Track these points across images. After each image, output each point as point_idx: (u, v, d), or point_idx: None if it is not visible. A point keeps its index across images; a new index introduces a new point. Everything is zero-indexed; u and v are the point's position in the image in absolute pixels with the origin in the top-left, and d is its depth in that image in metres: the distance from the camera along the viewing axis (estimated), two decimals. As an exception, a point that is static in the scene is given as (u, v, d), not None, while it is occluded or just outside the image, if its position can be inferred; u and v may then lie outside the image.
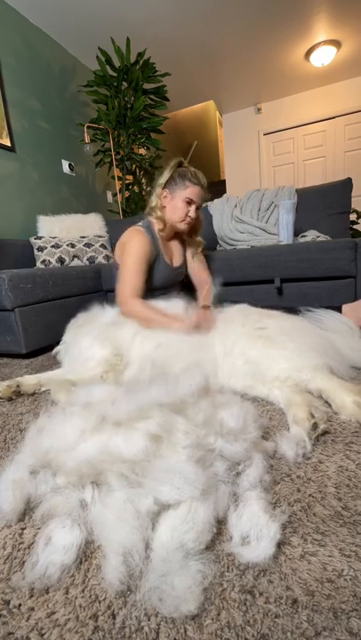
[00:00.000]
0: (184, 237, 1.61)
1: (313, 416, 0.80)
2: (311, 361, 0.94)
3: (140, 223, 1.51)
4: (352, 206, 2.22)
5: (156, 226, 1.48)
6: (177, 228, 1.50)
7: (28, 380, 1.18)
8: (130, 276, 1.38)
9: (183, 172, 1.42)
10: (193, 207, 1.43)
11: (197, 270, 1.64)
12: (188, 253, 1.63)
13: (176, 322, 1.20)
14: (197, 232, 1.59)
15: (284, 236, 1.90)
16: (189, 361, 1.05)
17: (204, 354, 1.08)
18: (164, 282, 1.55)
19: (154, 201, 1.47)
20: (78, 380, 1.07)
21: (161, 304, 1.32)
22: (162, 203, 1.45)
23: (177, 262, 1.60)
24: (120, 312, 1.32)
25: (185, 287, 1.70)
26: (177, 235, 1.58)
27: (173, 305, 1.32)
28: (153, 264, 1.50)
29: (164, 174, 1.44)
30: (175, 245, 1.61)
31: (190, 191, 1.41)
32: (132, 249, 1.41)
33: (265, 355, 0.99)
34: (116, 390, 0.81)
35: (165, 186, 1.43)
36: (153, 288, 1.53)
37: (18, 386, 1.14)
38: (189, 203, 1.42)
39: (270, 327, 1.06)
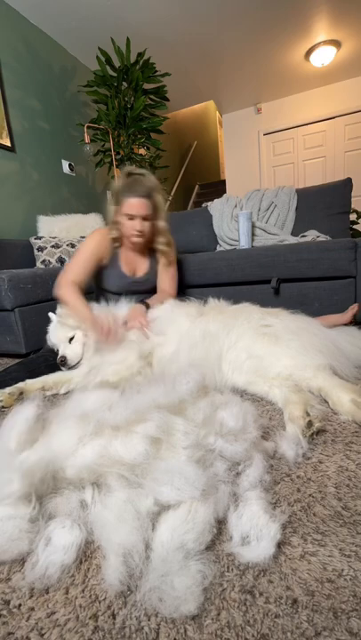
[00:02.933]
0: (156, 249, 1.54)
1: (308, 414, 0.80)
2: (315, 360, 0.94)
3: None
4: (352, 206, 2.22)
5: (117, 240, 1.47)
6: (131, 242, 1.44)
7: (32, 385, 1.12)
8: (73, 265, 1.41)
9: (124, 184, 1.36)
10: (136, 221, 1.36)
11: (159, 280, 1.58)
12: (160, 264, 1.57)
13: (90, 323, 1.19)
14: (155, 241, 1.50)
15: (245, 241, 2.03)
16: (197, 355, 1.06)
17: (211, 348, 1.08)
18: (117, 288, 1.52)
19: (111, 214, 1.43)
20: (120, 380, 1.06)
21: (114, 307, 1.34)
22: (115, 218, 1.42)
23: (139, 274, 1.54)
24: (54, 293, 1.35)
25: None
26: (146, 247, 1.53)
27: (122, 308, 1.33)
28: (106, 267, 1.49)
29: (115, 188, 1.40)
30: (140, 257, 1.54)
31: (128, 206, 1.34)
32: (85, 243, 1.45)
33: (269, 351, 1.00)
34: (112, 395, 0.80)
35: (115, 201, 1.39)
36: (106, 290, 1.54)
37: (21, 393, 1.07)
38: (131, 218, 1.36)
39: (276, 325, 1.06)
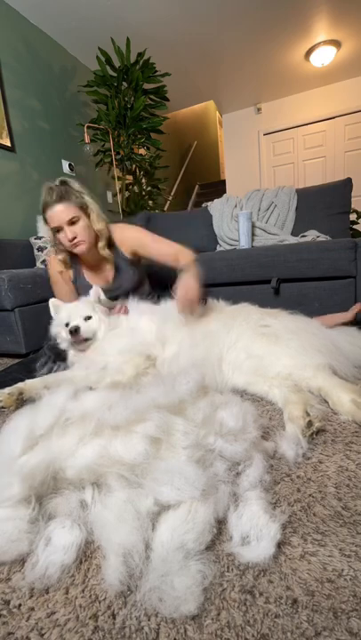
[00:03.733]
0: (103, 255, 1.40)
1: (308, 414, 0.80)
2: (314, 360, 0.94)
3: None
4: (352, 206, 2.21)
5: (68, 259, 1.42)
6: (77, 253, 1.33)
7: (32, 385, 1.09)
8: (56, 290, 1.45)
9: (42, 202, 1.26)
10: (65, 230, 1.25)
11: (159, 256, 1.38)
12: (136, 253, 1.44)
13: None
14: (100, 247, 1.36)
15: (245, 241, 2.03)
16: (198, 356, 1.06)
17: (211, 348, 1.08)
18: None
19: (49, 235, 1.36)
20: (128, 379, 1.06)
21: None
22: (53, 239, 1.35)
23: (109, 281, 1.45)
24: None
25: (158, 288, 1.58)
26: (100, 253, 1.39)
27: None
28: (76, 282, 1.46)
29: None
30: (103, 264, 1.44)
31: (49, 221, 1.26)
32: (50, 275, 1.47)
33: (268, 351, 1.00)
34: (111, 395, 0.79)
35: (45, 220, 1.30)
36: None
37: (21, 393, 1.05)
38: (58, 230, 1.27)
39: (275, 325, 1.06)
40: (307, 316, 1.15)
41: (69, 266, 1.45)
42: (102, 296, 1.30)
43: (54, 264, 1.44)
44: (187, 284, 1.20)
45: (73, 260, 1.44)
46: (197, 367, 0.99)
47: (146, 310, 1.29)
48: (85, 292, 1.35)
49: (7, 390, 1.05)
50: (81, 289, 1.44)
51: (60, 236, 1.29)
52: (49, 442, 0.65)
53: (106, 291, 1.36)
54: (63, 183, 1.28)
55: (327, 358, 0.95)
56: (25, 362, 1.30)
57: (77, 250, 1.31)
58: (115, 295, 1.43)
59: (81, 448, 0.64)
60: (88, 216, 1.30)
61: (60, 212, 1.24)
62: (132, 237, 1.43)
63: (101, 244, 1.36)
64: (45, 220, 1.29)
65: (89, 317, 1.21)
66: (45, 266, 1.49)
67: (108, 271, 1.46)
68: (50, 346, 1.30)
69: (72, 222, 1.26)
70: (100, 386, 1.03)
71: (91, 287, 1.34)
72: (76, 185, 1.29)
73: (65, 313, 1.23)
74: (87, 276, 1.46)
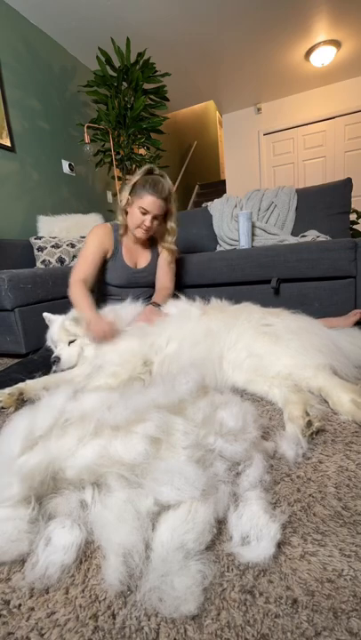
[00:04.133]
0: (159, 243, 1.61)
1: (308, 414, 0.80)
2: (314, 360, 0.94)
3: (114, 222, 1.58)
4: (352, 206, 2.22)
5: (121, 228, 1.53)
6: (135, 234, 1.49)
7: (32, 386, 1.09)
8: (80, 263, 1.48)
9: (146, 180, 1.40)
10: (148, 217, 1.41)
11: (160, 275, 1.61)
12: (161, 258, 1.62)
13: (90, 323, 1.22)
14: (163, 239, 1.58)
15: (245, 241, 2.04)
16: (199, 354, 1.07)
17: (212, 346, 1.08)
18: (120, 281, 1.57)
19: (123, 201, 1.47)
20: (119, 383, 1.05)
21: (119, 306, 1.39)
22: (125, 207, 1.46)
23: (141, 265, 1.60)
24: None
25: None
26: (147, 240, 1.58)
27: (129, 308, 1.37)
28: (110, 259, 1.54)
29: (133, 178, 1.44)
30: (141, 249, 1.61)
31: (145, 201, 1.39)
32: (88, 240, 1.52)
33: (269, 350, 1.00)
34: (111, 395, 0.79)
35: (131, 191, 1.43)
36: (108, 283, 1.58)
37: (21, 393, 1.04)
38: (144, 213, 1.41)
39: (276, 325, 1.06)
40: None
41: (117, 238, 1.54)
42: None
43: (101, 233, 1.51)
44: (151, 311, 1.35)
45: (116, 233, 1.54)
46: (198, 365, 1.00)
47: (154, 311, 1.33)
48: (117, 270, 1.54)
49: (7, 390, 1.05)
50: (114, 268, 1.56)
51: (140, 215, 1.41)
52: (48, 442, 0.65)
53: (136, 273, 1.58)
54: (166, 180, 1.44)
55: (328, 358, 0.95)
56: (24, 362, 1.30)
57: (139, 234, 1.47)
58: (135, 282, 1.59)
59: (81, 448, 0.64)
60: (166, 219, 1.52)
61: (157, 205, 1.40)
62: (173, 250, 1.63)
63: (170, 238, 1.56)
64: (134, 193, 1.41)
65: (73, 341, 1.22)
66: (89, 232, 1.57)
67: (143, 256, 1.61)
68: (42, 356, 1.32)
69: (155, 218, 1.43)
70: (91, 387, 1.02)
71: (123, 266, 1.53)
72: (172, 187, 1.47)
73: (54, 330, 1.25)
74: (125, 253, 1.56)
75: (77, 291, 1.37)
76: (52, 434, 0.66)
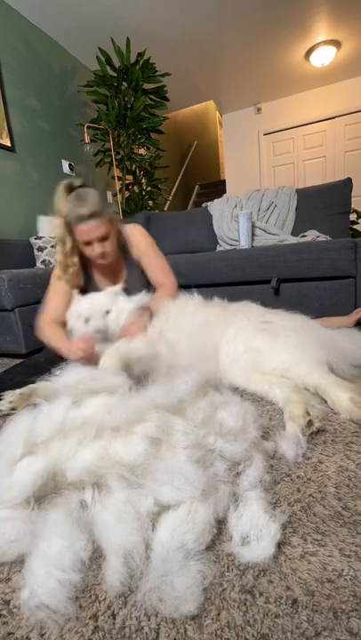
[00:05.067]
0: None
1: (308, 414, 0.80)
2: (311, 357, 0.94)
3: None
4: (352, 206, 2.22)
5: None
6: (99, 265, 1.32)
7: (44, 387, 1.04)
8: (47, 306, 1.33)
9: (69, 210, 1.18)
10: (95, 245, 1.21)
11: (153, 276, 1.42)
12: (141, 261, 1.43)
13: (67, 347, 1.13)
14: (127, 251, 1.39)
15: (245, 241, 2.03)
16: (196, 344, 1.07)
17: (209, 336, 1.08)
18: None
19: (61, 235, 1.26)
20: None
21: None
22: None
23: (120, 280, 1.42)
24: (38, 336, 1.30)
25: None
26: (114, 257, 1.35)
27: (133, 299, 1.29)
28: (86, 288, 1.38)
29: (57, 204, 1.22)
30: (116, 268, 1.41)
31: (79, 234, 1.19)
32: (52, 281, 1.36)
33: (267, 346, 1.00)
34: (110, 399, 0.78)
35: (65, 226, 1.23)
36: None
37: (31, 395, 1.01)
38: (87, 244, 1.22)
39: (276, 322, 1.07)
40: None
41: (79, 278, 1.37)
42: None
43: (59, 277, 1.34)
44: (138, 326, 1.16)
45: (84, 265, 1.37)
46: (195, 354, 1.00)
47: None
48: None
49: (19, 391, 1.03)
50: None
51: (87, 249, 1.24)
52: (49, 445, 0.65)
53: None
54: (89, 191, 1.20)
55: (325, 356, 0.95)
56: (28, 363, 1.30)
57: (103, 262, 1.28)
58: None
59: (80, 450, 0.64)
60: (114, 228, 1.27)
61: (94, 229, 1.18)
62: (142, 241, 1.42)
63: (132, 240, 1.38)
64: (68, 228, 1.22)
65: (108, 312, 1.20)
66: (47, 268, 1.44)
67: (119, 275, 1.43)
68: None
69: (103, 239, 1.22)
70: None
71: (101, 291, 1.33)
72: (97, 193, 1.22)
73: (86, 305, 1.20)
74: (98, 279, 1.42)
75: (48, 330, 1.26)
76: (53, 438, 0.66)
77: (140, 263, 1.45)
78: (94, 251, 1.23)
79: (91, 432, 0.66)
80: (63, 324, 1.28)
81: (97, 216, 1.18)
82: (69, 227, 1.22)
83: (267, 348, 0.99)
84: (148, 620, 0.42)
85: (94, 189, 1.24)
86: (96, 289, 1.37)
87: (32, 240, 2.37)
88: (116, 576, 0.46)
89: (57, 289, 1.33)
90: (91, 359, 1.09)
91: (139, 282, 1.45)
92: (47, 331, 1.27)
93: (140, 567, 0.47)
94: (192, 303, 1.24)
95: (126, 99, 2.77)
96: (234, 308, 1.23)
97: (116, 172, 3.00)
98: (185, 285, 1.87)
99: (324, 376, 0.90)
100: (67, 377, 0.91)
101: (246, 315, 1.12)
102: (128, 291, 1.39)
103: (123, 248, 1.40)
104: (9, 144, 2.52)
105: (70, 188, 1.22)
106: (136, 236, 1.42)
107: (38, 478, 0.59)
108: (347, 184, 2.04)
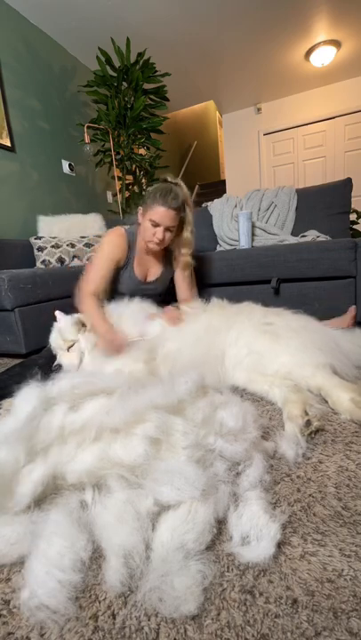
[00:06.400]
0: (173, 254, 1.54)
1: (307, 413, 0.80)
2: (314, 358, 0.94)
3: (129, 227, 1.51)
4: (352, 206, 2.21)
5: (135, 236, 1.48)
6: (148, 246, 1.43)
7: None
8: (92, 274, 1.40)
9: (157, 190, 1.34)
10: (159, 229, 1.34)
11: (181, 291, 1.59)
12: (177, 273, 1.57)
13: (103, 336, 1.20)
14: (179, 251, 1.50)
15: (245, 241, 2.03)
16: (200, 351, 1.07)
17: (213, 343, 1.08)
18: (126, 291, 1.51)
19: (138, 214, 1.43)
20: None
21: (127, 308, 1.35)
22: (140, 219, 1.41)
23: (151, 278, 1.55)
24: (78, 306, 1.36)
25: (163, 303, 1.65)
26: (160, 251, 1.50)
27: (140, 310, 1.34)
28: (121, 269, 1.48)
29: (149, 189, 1.40)
30: (153, 261, 1.54)
31: (155, 213, 1.32)
32: (102, 248, 1.46)
33: (269, 348, 1.00)
34: (109, 402, 0.78)
35: (145, 202, 1.38)
36: (118, 291, 1.52)
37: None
38: (155, 225, 1.34)
39: (277, 323, 1.06)
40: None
41: (130, 248, 1.48)
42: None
43: (115, 241, 1.45)
44: (176, 315, 1.30)
45: (131, 242, 1.48)
46: (200, 362, 1.00)
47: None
48: (125, 281, 1.50)
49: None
50: (123, 278, 1.50)
51: (151, 228, 1.35)
52: (49, 451, 0.65)
53: (143, 285, 1.52)
54: (180, 188, 1.37)
55: (328, 357, 0.95)
56: (27, 363, 1.30)
57: (152, 246, 1.40)
58: (142, 293, 1.49)
59: (80, 453, 0.64)
60: (181, 229, 1.43)
61: (168, 217, 1.33)
62: (186, 261, 1.55)
63: (185, 250, 1.49)
64: (146, 204, 1.35)
65: (71, 346, 1.21)
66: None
67: (154, 269, 1.55)
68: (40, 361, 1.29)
69: (168, 229, 1.36)
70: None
71: (132, 277, 1.47)
72: (187, 194, 1.39)
73: (53, 335, 1.24)
74: (135, 264, 1.50)
75: (88, 305, 1.31)
76: (52, 444, 0.66)
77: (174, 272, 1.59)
78: (156, 234, 1.35)
79: (90, 434, 0.66)
80: (101, 299, 1.38)
81: (178, 210, 1.35)
82: (148, 204, 1.35)
83: (269, 351, 1.00)
84: (148, 620, 0.42)
85: (185, 188, 1.40)
86: (130, 272, 1.49)
87: (32, 240, 2.37)
88: (116, 576, 0.46)
89: (104, 260, 1.42)
90: (118, 353, 1.16)
91: (163, 288, 1.59)
92: (86, 304, 1.32)
93: (140, 567, 0.47)
94: (193, 312, 1.25)
95: (126, 99, 2.77)
96: (235, 309, 1.23)
97: (116, 172, 3.00)
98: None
99: (327, 377, 0.90)
100: (60, 383, 0.90)
101: (248, 316, 1.12)
102: (153, 290, 1.55)
103: (175, 249, 1.52)
104: (9, 144, 2.52)
105: (165, 179, 1.40)
106: (191, 252, 1.54)
107: (38, 485, 0.59)
108: (347, 184, 2.04)
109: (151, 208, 1.33)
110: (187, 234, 1.45)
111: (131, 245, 1.47)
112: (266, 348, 1.00)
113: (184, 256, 1.50)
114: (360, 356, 1.05)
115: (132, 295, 1.49)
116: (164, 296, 1.64)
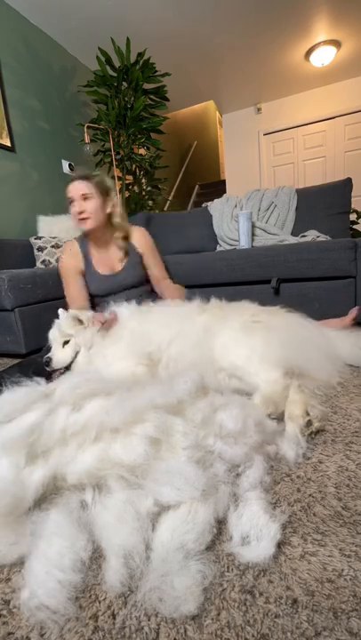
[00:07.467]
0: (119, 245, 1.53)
1: (308, 414, 0.80)
2: (271, 354, 0.94)
3: (77, 237, 1.58)
4: (352, 206, 2.21)
5: (85, 238, 1.51)
6: (84, 229, 1.45)
7: None
8: (69, 294, 1.48)
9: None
10: (75, 203, 1.38)
11: (152, 272, 1.59)
12: (141, 256, 1.57)
13: (94, 317, 1.21)
14: (115, 237, 1.50)
15: (245, 241, 2.04)
16: (199, 353, 1.06)
17: (209, 344, 1.08)
18: (101, 291, 1.51)
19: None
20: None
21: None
22: None
23: (118, 267, 1.53)
24: None
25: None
26: (112, 239, 1.51)
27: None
28: (85, 274, 1.51)
29: None
30: (113, 251, 1.53)
31: (67, 192, 1.39)
32: (60, 267, 1.52)
33: (236, 341, 1.00)
34: (108, 402, 0.78)
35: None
36: (92, 295, 1.53)
37: None
38: (70, 202, 1.40)
39: (263, 321, 1.06)
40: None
41: (80, 256, 1.50)
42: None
43: (66, 259, 1.51)
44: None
45: (83, 247, 1.51)
46: (199, 364, 0.99)
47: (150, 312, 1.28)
48: (95, 282, 1.50)
49: None
50: (92, 282, 1.52)
51: (72, 207, 1.38)
52: (49, 453, 0.65)
53: (115, 279, 1.50)
54: (89, 171, 1.43)
55: (293, 356, 0.95)
56: (25, 363, 1.30)
57: (83, 225, 1.42)
58: (118, 287, 1.51)
59: (80, 454, 0.63)
60: (100, 196, 1.41)
61: (76, 187, 1.37)
62: (148, 242, 1.59)
63: (118, 234, 1.50)
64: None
65: (66, 342, 1.19)
66: (57, 265, 1.54)
67: (118, 260, 1.54)
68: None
69: (85, 198, 1.37)
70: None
71: (99, 277, 1.47)
72: (99, 174, 1.44)
73: (50, 333, 1.23)
74: (96, 264, 1.52)
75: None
76: (54, 446, 0.66)
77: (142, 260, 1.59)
78: (75, 208, 1.38)
79: (90, 435, 0.66)
80: (88, 307, 1.44)
81: (82, 178, 1.38)
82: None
83: (233, 343, 1.00)
84: (148, 620, 0.42)
85: (99, 172, 1.45)
86: (95, 274, 1.50)
87: (32, 240, 2.37)
88: (116, 576, 0.46)
89: (70, 284, 1.48)
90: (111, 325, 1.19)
91: (135, 277, 1.55)
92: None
93: (140, 567, 0.47)
94: (192, 311, 1.23)
95: (126, 99, 2.77)
96: (230, 308, 1.22)
97: (116, 172, 3.00)
98: (186, 285, 1.88)
99: (265, 379, 0.90)
100: (62, 385, 0.90)
101: (240, 313, 1.12)
102: (123, 281, 1.52)
103: (126, 240, 1.54)
104: (9, 144, 2.52)
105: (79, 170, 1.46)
106: (142, 234, 1.58)
107: (39, 487, 0.59)
108: (347, 184, 2.04)
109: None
110: (109, 201, 1.45)
111: (85, 249, 1.52)
112: (233, 340, 1.00)
113: (122, 229, 1.50)
114: (356, 356, 1.05)
115: (108, 293, 1.51)
116: (150, 286, 1.64)
